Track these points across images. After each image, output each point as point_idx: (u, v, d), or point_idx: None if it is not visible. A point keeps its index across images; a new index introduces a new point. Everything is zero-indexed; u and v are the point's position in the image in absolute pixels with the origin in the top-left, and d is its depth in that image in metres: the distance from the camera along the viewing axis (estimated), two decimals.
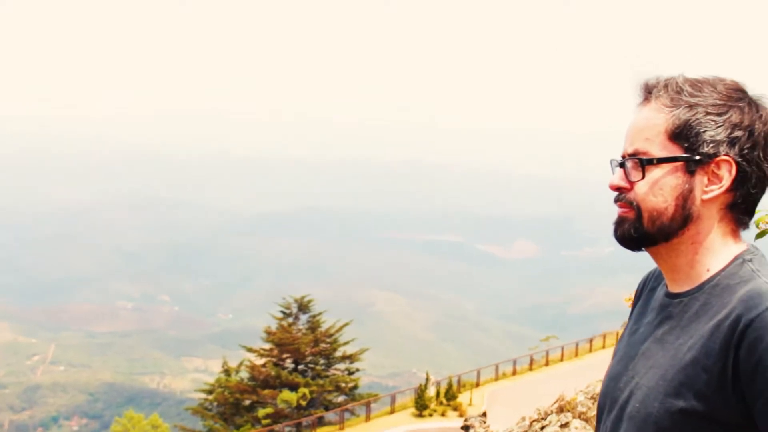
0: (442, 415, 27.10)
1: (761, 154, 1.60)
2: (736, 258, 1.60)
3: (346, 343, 32.04)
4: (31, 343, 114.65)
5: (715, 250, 1.62)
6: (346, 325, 32.32)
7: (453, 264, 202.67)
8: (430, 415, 27.29)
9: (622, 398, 1.65)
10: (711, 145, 1.58)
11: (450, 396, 28.16)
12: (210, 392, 32.10)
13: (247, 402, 30.68)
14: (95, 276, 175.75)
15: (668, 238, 1.63)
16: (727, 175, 1.58)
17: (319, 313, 32.69)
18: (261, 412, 29.39)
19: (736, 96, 1.62)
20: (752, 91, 1.66)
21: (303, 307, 32.58)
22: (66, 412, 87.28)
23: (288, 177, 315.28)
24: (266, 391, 29.88)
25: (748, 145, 1.58)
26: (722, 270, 1.59)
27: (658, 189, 1.61)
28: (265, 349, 31.70)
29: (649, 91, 1.67)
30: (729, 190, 1.59)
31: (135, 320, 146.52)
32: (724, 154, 1.58)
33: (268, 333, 31.81)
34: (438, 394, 28.45)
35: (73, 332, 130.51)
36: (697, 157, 1.59)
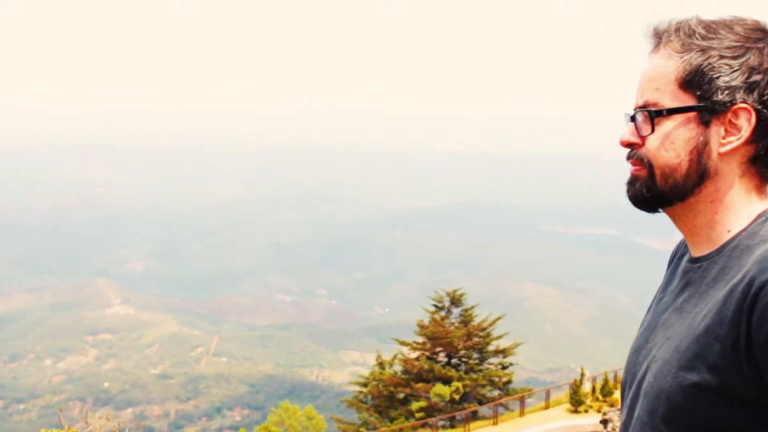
0: (598, 411, 26.13)
1: None
2: (759, 216, 1.47)
3: (499, 337, 31.48)
4: (195, 335, 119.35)
5: (737, 209, 1.49)
6: (498, 318, 31.76)
7: (609, 257, 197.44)
8: (586, 411, 26.45)
9: (640, 373, 1.55)
10: (726, 91, 1.45)
11: (606, 392, 27.33)
12: (365, 385, 32.25)
13: (401, 395, 30.66)
14: (254, 270, 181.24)
15: (684, 197, 1.51)
16: (746, 124, 1.44)
17: (472, 307, 32.27)
18: (414, 405, 29.30)
19: (756, 36, 1.48)
20: None
21: (455, 300, 32.27)
22: (229, 403, 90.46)
23: (440, 171, 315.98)
24: (419, 385, 29.77)
25: (765, 90, 1.45)
26: (743, 230, 1.46)
27: (670, 143, 1.49)
28: (418, 343, 31.62)
29: (659, 37, 1.55)
30: (749, 141, 1.45)
31: (293, 313, 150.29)
32: (742, 101, 1.44)
33: (421, 327, 31.69)
34: (594, 389, 27.69)
35: (234, 325, 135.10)
36: (711, 106, 1.46)
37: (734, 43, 1.46)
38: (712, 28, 1.48)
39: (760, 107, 1.44)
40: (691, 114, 1.47)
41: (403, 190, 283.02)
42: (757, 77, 1.44)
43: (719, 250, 1.47)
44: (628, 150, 1.57)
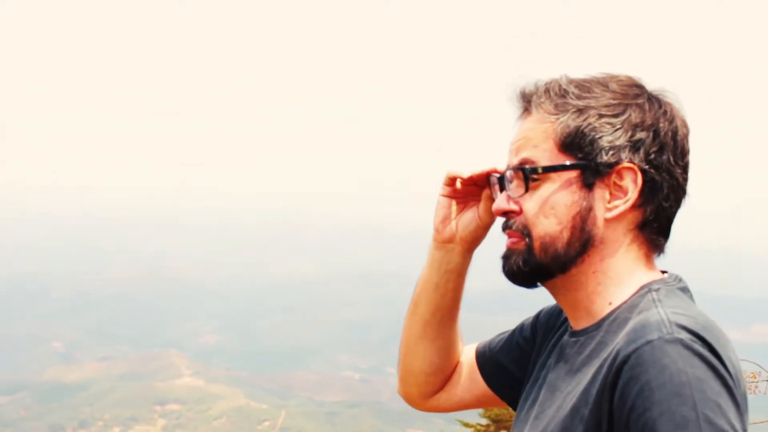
0: None
1: (671, 158, 1.34)
2: (642, 288, 1.32)
3: None
4: (262, 409, 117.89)
5: (621, 280, 1.34)
6: None
7: None
8: None
9: None
10: (611, 152, 1.32)
11: None
12: None
13: None
14: (323, 346, 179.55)
15: (565, 269, 1.35)
16: (632, 186, 1.31)
17: None
18: None
19: (633, 93, 1.36)
20: (650, 85, 1.40)
21: None
22: None
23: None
24: None
25: (654, 149, 1.32)
26: (624, 302, 1.32)
27: (549, 208, 1.34)
28: (481, 425, 29.91)
29: (527, 101, 1.40)
30: (637, 205, 1.32)
31: (362, 391, 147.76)
32: (628, 161, 1.32)
33: (486, 409, 29.97)
34: None
35: (302, 400, 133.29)
36: (595, 167, 1.33)
37: (612, 101, 1.34)
38: (585, 86, 1.36)
39: (646, 167, 1.32)
40: (573, 175, 1.33)
41: (475, 269, 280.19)
42: (641, 134, 1.32)
43: (598, 324, 1.33)
44: (502, 221, 1.42)
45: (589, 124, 1.33)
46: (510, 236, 1.39)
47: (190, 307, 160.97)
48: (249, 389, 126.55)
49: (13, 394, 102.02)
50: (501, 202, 1.40)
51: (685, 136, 1.37)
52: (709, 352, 1.14)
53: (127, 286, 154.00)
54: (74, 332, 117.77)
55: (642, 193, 1.32)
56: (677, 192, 1.35)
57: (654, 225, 1.35)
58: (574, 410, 1.24)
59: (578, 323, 1.38)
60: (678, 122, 1.36)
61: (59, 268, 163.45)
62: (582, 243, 1.33)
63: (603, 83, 1.37)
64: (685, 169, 1.36)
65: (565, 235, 1.33)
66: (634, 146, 1.32)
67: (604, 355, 1.24)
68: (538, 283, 1.40)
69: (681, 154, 1.35)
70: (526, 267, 1.36)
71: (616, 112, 1.33)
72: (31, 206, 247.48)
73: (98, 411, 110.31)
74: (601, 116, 1.33)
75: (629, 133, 1.32)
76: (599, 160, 1.32)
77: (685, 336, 1.15)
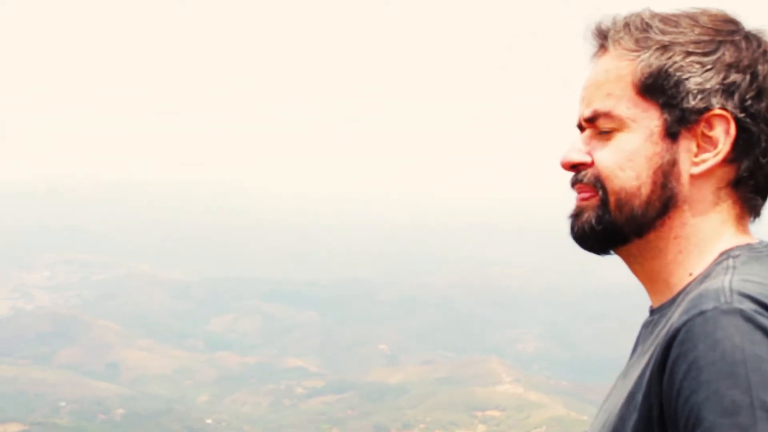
0: None
1: None
2: (722, 254, 1.13)
3: None
4: (582, 420, 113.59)
5: (705, 246, 1.15)
6: None
7: None
8: None
9: None
10: (699, 96, 1.13)
11: None
12: None
13: None
14: None
15: (642, 232, 1.17)
16: (723, 136, 1.12)
17: None
18: None
19: (728, 29, 1.16)
20: (747, 23, 1.20)
21: None
22: None
23: None
24: None
25: (751, 94, 1.12)
26: (702, 272, 1.14)
27: (628, 161, 1.15)
28: None
29: (604, 36, 1.21)
30: (729, 159, 1.13)
31: None
32: (719, 108, 1.13)
33: None
34: None
35: None
36: (681, 114, 1.14)
37: (703, 37, 1.15)
38: (671, 20, 1.17)
39: (741, 115, 1.12)
40: (654, 123, 1.15)
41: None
42: (736, 77, 1.12)
43: (673, 299, 1.15)
44: (572, 174, 1.23)
45: (675, 62, 1.14)
46: (580, 191, 1.21)
47: (511, 313, 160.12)
48: (568, 399, 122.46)
49: (341, 394, 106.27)
50: (571, 152, 1.20)
51: None
52: None
53: (449, 292, 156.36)
54: (399, 335, 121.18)
55: (735, 145, 1.13)
56: None
57: (749, 183, 1.15)
58: (630, 396, 1.09)
59: (657, 299, 1.21)
60: None
61: (385, 272, 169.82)
62: (663, 202, 1.15)
63: (692, 17, 1.17)
64: None
65: (644, 191, 1.15)
66: (728, 90, 1.12)
67: (663, 332, 1.07)
68: (611, 250, 1.22)
69: None
70: (600, 225, 1.18)
71: (706, 49, 1.14)
72: (364, 214, 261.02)
73: (420, 413, 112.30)
74: (688, 54, 1.14)
75: (722, 75, 1.13)
76: (685, 105, 1.14)
77: (747, 306, 0.97)
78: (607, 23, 1.19)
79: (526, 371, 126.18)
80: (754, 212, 1.17)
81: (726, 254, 1.11)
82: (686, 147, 1.13)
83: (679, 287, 1.14)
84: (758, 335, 0.93)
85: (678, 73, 1.13)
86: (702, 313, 0.97)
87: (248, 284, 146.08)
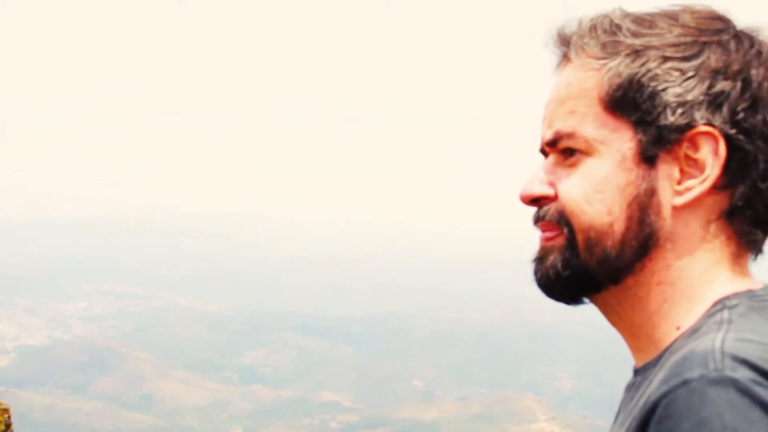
0: None
1: None
2: (716, 303, 0.90)
3: None
4: None
5: (695, 294, 0.93)
6: None
7: None
8: None
9: None
10: (679, 110, 0.91)
11: None
12: None
13: None
14: None
15: (617, 277, 0.95)
16: (711, 158, 0.90)
17: None
18: None
19: (714, 28, 0.94)
20: (739, 21, 0.98)
21: None
22: None
23: None
24: None
25: (743, 105, 0.90)
26: (692, 326, 0.91)
27: (597, 193, 0.94)
28: None
29: (567, 43, 1.00)
30: (720, 185, 0.91)
31: None
32: (705, 123, 0.91)
33: None
34: None
35: None
36: (658, 133, 0.92)
37: (683, 39, 0.93)
38: (646, 21, 0.96)
39: (732, 131, 0.90)
40: (627, 146, 0.93)
41: None
42: (723, 85, 0.91)
43: (658, 359, 0.93)
44: (534, 210, 1.01)
45: (649, 70, 0.93)
46: (543, 229, 0.99)
47: (547, 350, 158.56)
48: None
49: (375, 429, 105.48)
50: (531, 184, 0.99)
51: None
52: None
53: (484, 328, 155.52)
54: (433, 371, 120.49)
55: (727, 168, 0.90)
56: None
57: (746, 214, 0.92)
58: None
59: (640, 356, 0.99)
60: None
61: (420, 307, 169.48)
62: (641, 241, 0.93)
63: (672, 16, 0.96)
64: None
65: (618, 229, 0.93)
66: (714, 101, 0.91)
67: (641, 402, 0.87)
68: (584, 298, 1.00)
69: None
70: (566, 271, 0.96)
71: (688, 53, 0.93)
72: (398, 248, 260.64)
73: None
74: (665, 59, 0.93)
75: (707, 83, 0.91)
76: (663, 122, 0.92)
77: (743, 375, 0.76)
78: (571, 27, 0.99)
79: (562, 410, 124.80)
80: (754, 249, 0.94)
81: (721, 303, 0.89)
82: (667, 173, 0.92)
83: (664, 343, 0.92)
84: (756, 413, 0.73)
85: (653, 83, 0.92)
86: (686, 382, 0.77)
87: (282, 317, 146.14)
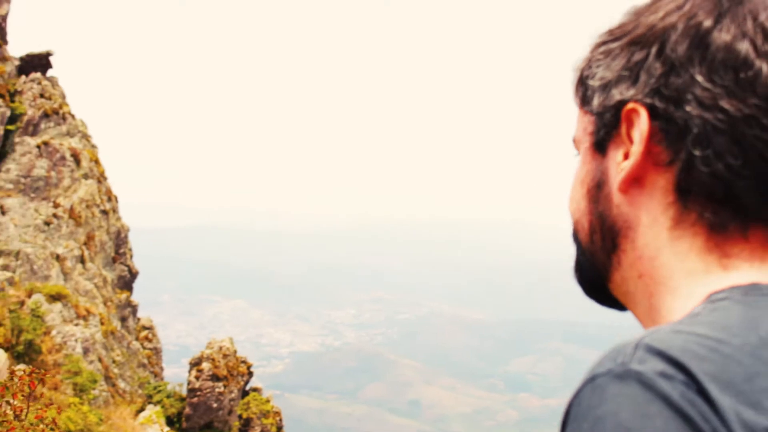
0: None
1: (698, 77, 0.79)
2: (708, 297, 0.78)
3: None
4: None
5: (678, 286, 0.82)
6: None
7: None
8: None
9: None
10: (600, 91, 0.88)
11: None
12: None
13: None
14: None
15: (605, 275, 0.91)
16: (636, 134, 0.83)
17: None
18: None
19: (647, 12, 0.86)
20: None
21: None
22: None
23: None
24: None
25: (659, 70, 0.82)
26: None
27: (573, 191, 0.94)
28: None
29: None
30: (664, 162, 0.82)
31: None
32: (630, 99, 0.84)
33: None
34: None
35: None
36: (599, 119, 0.88)
37: (625, 19, 0.88)
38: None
39: (653, 101, 0.82)
40: (586, 140, 0.91)
41: None
42: (639, 54, 0.84)
43: None
44: None
45: (588, 59, 0.91)
46: None
47: None
48: None
49: None
50: None
51: (741, 33, 0.79)
52: (695, 394, 0.65)
53: None
54: None
55: (668, 141, 0.81)
56: (738, 130, 0.77)
57: (696, 188, 0.80)
58: None
59: None
60: (703, 14, 0.82)
61: None
62: (603, 233, 0.89)
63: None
64: (744, 88, 0.77)
65: (585, 223, 0.91)
66: (632, 74, 0.84)
67: None
68: (611, 300, 0.94)
69: (726, 64, 0.78)
70: (577, 270, 0.96)
71: (615, 35, 0.88)
72: None
73: None
74: (600, 44, 0.90)
75: (626, 57, 0.86)
76: (596, 106, 0.88)
77: (650, 367, 0.67)
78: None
79: None
80: (726, 228, 0.80)
81: (711, 297, 0.77)
82: (614, 159, 0.87)
83: None
84: (655, 406, 0.65)
85: (587, 71, 0.90)
86: (592, 379, 0.70)
87: (547, 325, 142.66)
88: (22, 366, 11.16)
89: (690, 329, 0.70)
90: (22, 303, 18.92)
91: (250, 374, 21.35)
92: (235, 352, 21.60)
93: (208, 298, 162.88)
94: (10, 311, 17.67)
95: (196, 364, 20.52)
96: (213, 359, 20.35)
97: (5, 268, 22.53)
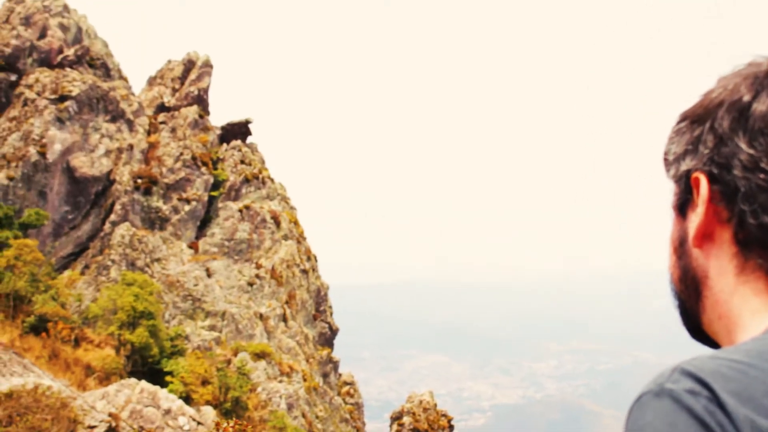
0: None
1: (740, 144, 0.97)
2: (765, 330, 0.95)
3: None
4: None
5: (747, 324, 0.99)
6: None
7: None
8: None
9: None
10: (674, 165, 1.08)
11: None
12: None
13: None
14: None
15: (696, 319, 1.09)
16: (700, 197, 1.04)
17: None
18: None
19: (705, 93, 1.06)
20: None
21: None
22: None
23: None
24: None
25: (710, 142, 1.01)
26: None
27: (669, 249, 1.13)
28: None
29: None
30: (725, 219, 1.01)
31: None
32: (697, 171, 1.04)
33: None
34: None
35: None
36: (678, 188, 1.09)
37: (689, 108, 1.08)
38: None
39: (709, 168, 1.02)
40: (675, 210, 1.12)
41: None
42: (698, 131, 1.04)
43: None
44: None
45: (669, 138, 1.09)
46: None
47: None
48: None
49: None
50: None
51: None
52: (716, 407, 0.81)
53: None
54: None
55: (720, 202, 1.01)
56: None
57: (750, 239, 0.99)
58: None
59: None
60: (744, 90, 0.99)
61: None
62: (687, 283, 1.08)
63: None
64: None
65: (675, 275, 1.11)
66: (694, 148, 1.04)
67: None
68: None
69: (764, 131, 0.95)
70: (681, 317, 1.12)
71: (690, 113, 1.07)
72: None
73: None
74: (676, 125, 1.10)
75: (689, 134, 1.06)
76: (672, 177, 1.09)
77: (681, 386, 0.86)
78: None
79: None
80: None
81: (766, 331, 0.94)
82: (691, 219, 1.06)
83: None
84: (681, 417, 0.82)
85: (667, 147, 1.08)
86: (639, 397, 0.90)
87: None
88: (226, 421, 11.47)
89: (726, 355, 0.86)
90: (228, 361, 19.65)
91: (451, 428, 21.05)
92: (436, 405, 21.42)
93: (407, 353, 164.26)
94: (218, 369, 18.35)
95: (397, 418, 20.48)
96: (413, 413, 20.24)
97: (212, 328, 23.52)
